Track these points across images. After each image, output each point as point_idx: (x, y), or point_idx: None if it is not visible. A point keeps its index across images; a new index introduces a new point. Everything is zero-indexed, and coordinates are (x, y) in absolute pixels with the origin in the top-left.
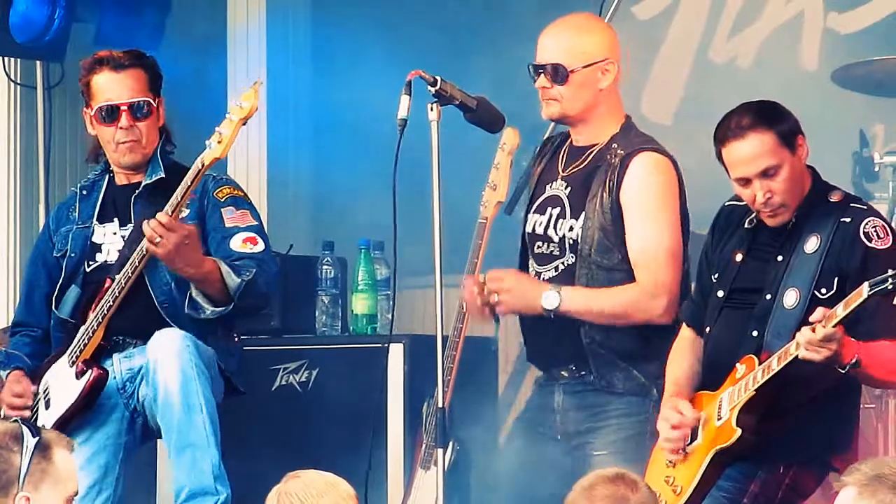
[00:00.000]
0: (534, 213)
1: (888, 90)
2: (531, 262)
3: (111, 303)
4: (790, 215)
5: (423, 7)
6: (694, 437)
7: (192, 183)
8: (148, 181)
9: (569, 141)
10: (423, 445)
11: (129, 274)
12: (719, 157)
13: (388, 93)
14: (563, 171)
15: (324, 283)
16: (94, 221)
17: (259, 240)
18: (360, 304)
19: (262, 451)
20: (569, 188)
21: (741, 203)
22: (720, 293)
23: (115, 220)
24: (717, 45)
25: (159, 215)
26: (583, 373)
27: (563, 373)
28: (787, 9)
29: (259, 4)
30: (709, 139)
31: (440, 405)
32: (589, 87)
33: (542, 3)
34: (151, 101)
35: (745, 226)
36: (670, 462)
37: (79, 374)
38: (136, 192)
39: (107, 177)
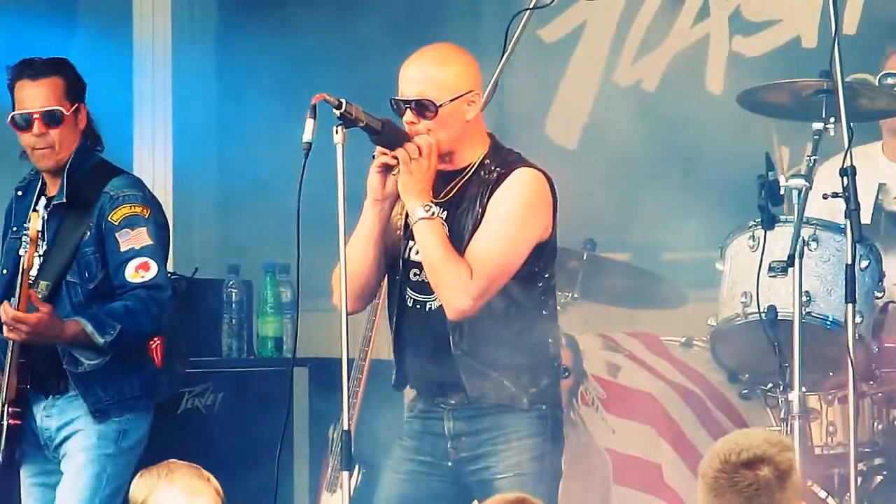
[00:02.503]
0: (409, 238)
1: (792, 114)
2: (408, 290)
3: (11, 350)
4: None
5: (327, 25)
6: None
7: (22, 283)
8: (57, 201)
9: None
10: (330, 468)
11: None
12: None
13: (294, 115)
14: (437, 198)
15: (229, 307)
16: (25, 232)
17: (151, 264)
18: (265, 327)
19: None
20: (446, 213)
21: None
22: None
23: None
24: (623, 68)
25: (5, 307)
26: (470, 399)
27: (451, 401)
28: (693, 32)
29: (164, 37)
30: (613, 161)
31: (345, 428)
32: (456, 120)
33: (453, 29)
34: (63, 110)
35: None
36: None
37: (5, 417)
38: (49, 208)
39: (40, 178)
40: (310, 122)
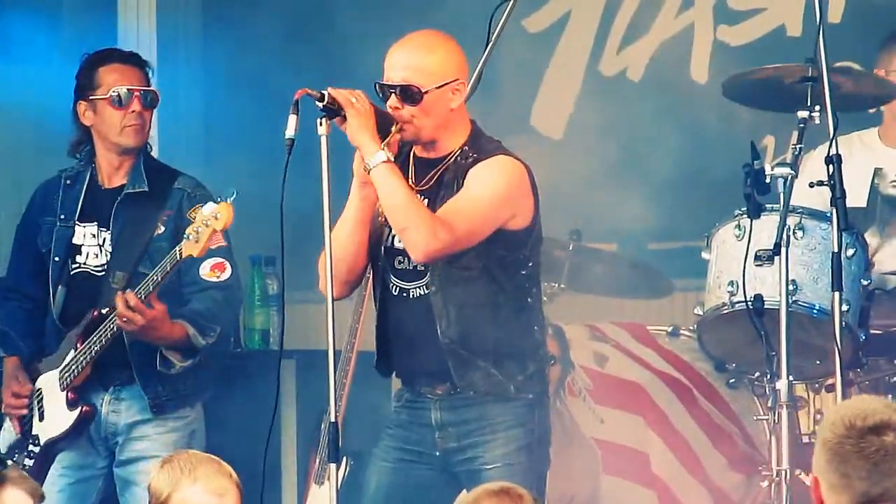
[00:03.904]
0: (388, 225)
1: (777, 103)
2: (392, 278)
3: (101, 343)
4: None
5: (309, 19)
6: None
7: (169, 271)
8: (131, 190)
9: (412, 153)
10: (318, 460)
11: (114, 328)
12: None
13: (279, 109)
14: (417, 185)
15: None
16: (76, 220)
17: (227, 265)
18: (252, 319)
19: None
20: (427, 200)
21: None
22: None
23: (95, 222)
24: (608, 57)
25: (129, 296)
26: (458, 389)
27: (437, 390)
28: (678, 21)
29: (150, 27)
30: (599, 151)
31: (332, 420)
32: (440, 108)
33: (436, 18)
34: (158, 94)
35: None
36: None
37: (69, 403)
38: (119, 198)
39: (90, 169)
40: (292, 118)
